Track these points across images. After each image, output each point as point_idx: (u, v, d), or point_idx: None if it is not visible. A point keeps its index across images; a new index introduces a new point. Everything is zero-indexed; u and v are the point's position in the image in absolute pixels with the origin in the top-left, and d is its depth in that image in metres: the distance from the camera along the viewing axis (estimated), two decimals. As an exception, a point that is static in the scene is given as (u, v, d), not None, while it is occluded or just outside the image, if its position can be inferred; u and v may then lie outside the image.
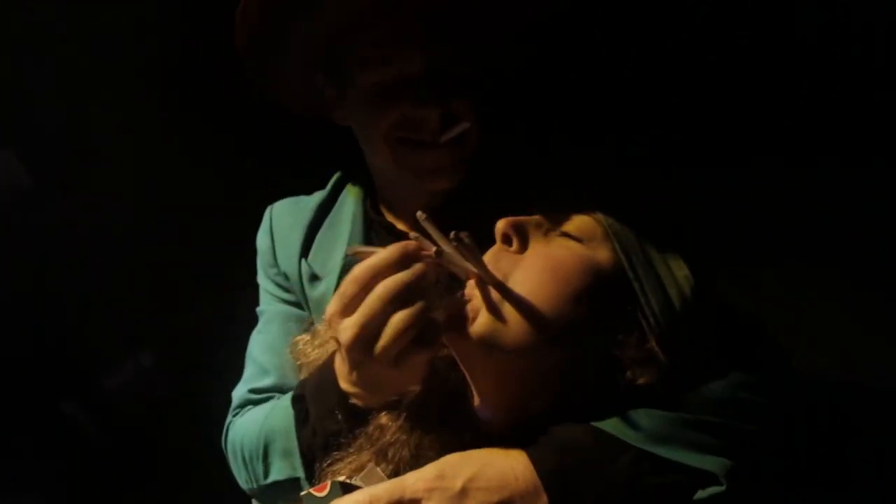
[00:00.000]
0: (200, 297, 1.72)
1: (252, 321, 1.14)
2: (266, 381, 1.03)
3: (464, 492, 0.61)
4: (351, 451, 0.74)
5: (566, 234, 0.71)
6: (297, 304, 1.10)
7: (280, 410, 0.89)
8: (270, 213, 1.17)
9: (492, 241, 0.73)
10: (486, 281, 0.66)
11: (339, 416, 0.76)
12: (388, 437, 0.72)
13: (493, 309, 0.65)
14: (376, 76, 0.90)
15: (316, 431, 0.80)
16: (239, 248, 1.21)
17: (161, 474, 1.82)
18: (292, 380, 0.96)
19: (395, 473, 0.68)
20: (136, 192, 1.65)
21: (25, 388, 1.73)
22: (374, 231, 1.07)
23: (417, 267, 0.64)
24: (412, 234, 0.70)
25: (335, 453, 0.75)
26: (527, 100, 1.33)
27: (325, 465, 0.76)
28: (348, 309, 0.64)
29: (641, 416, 0.65)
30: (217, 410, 1.07)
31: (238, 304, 1.22)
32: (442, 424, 0.72)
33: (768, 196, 1.48)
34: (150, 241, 1.69)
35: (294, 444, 0.84)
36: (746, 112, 1.46)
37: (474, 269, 0.66)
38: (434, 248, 0.65)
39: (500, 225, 0.71)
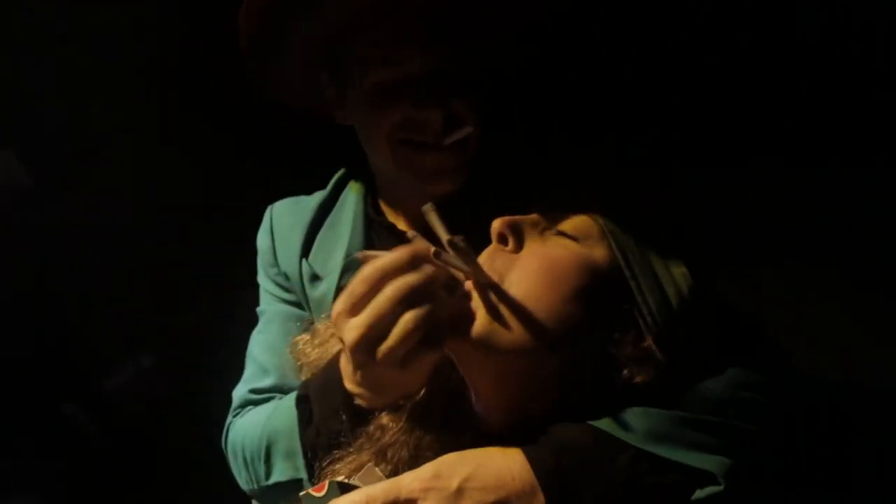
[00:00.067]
0: (200, 297, 1.72)
1: (252, 321, 1.14)
2: (266, 382, 1.03)
3: (460, 491, 0.61)
4: (351, 450, 0.74)
5: (562, 233, 0.71)
6: (297, 304, 1.10)
7: (283, 411, 0.88)
8: (271, 212, 1.17)
9: (491, 242, 0.73)
10: (482, 284, 0.66)
11: (344, 417, 0.76)
12: (387, 437, 0.72)
13: (490, 311, 0.65)
14: (377, 76, 0.90)
15: (320, 432, 0.79)
16: (239, 248, 1.21)
17: (161, 474, 1.82)
18: (293, 380, 0.96)
19: (394, 473, 0.68)
20: (136, 192, 1.65)
21: (25, 388, 1.74)
22: (374, 231, 1.07)
23: (427, 269, 0.63)
24: (409, 233, 0.70)
25: (335, 452, 0.75)
26: (527, 100, 1.33)
27: (324, 464, 0.76)
28: (356, 308, 0.63)
29: (639, 415, 0.65)
30: (217, 410, 1.07)
31: (238, 304, 1.22)
32: (442, 425, 0.72)
33: (768, 196, 1.48)
34: (150, 241, 1.69)
35: (297, 444, 0.84)
36: (746, 112, 1.46)
37: (470, 272, 0.66)
38: (433, 249, 0.65)
39: (496, 224, 0.71)
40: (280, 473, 0.88)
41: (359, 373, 0.68)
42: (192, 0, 1.44)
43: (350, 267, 1.03)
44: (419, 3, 0.86)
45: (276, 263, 1.12)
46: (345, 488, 0.65)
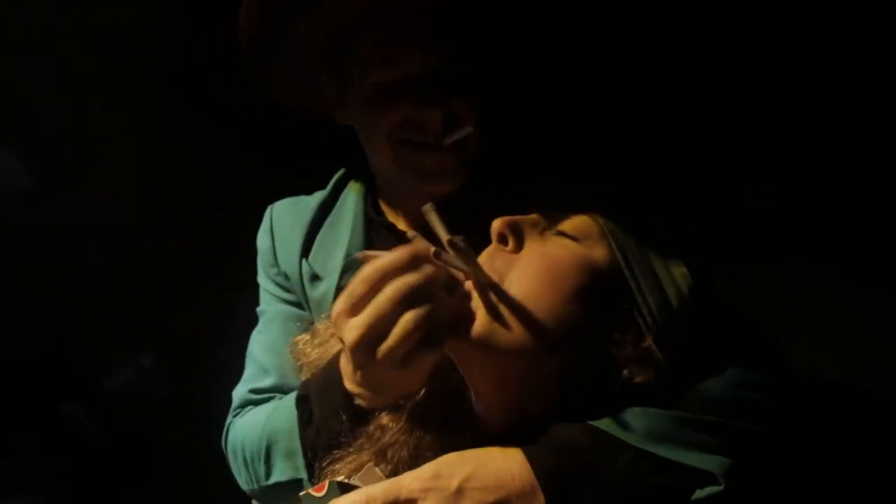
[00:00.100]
0: (200, 297, 1.72)
1: (252, 321, 1.14)
2: (266, 382, 1.03)
3: (460, 492, 0.61)
4: (351, 450, 0.74)
5: (562, 233, 0.71)
6: (297, 304, 1.10)
7: (283, 411, 0.88)
8: (271, 212, 1.17)
9: (491, 242, 0.73)
10: (482, 284, 0.66)
11: (344, 417, 0.76)
12: (387, 437, 0.72)
13: (490, 311, 0.65)
14: (377, 76, 0.90)
15: (320, 432, 0.79)
16: (239, 248, 1.21)
17: (161, 474, 1.82)
18: (293, 380, 0.96)
19: (394, 473, 0.68)
20: (136, 192, 1.65)
21: (25, 388, 1.74)
22: (374, 231, 1.07)
23: (427, 269, 0.63)
24: (409, 233, 0.70)
25: (335, 452, 0.75)
26: (527, 100, 1.33)
27: (324, 464, 0.76)
28: (356, 308, 0.63)
29: (639, 415, 0.64)
30: (217, 410, 1.07)
31: (238, 304, 1.22)
32: (442, 425, 0.72)
33: (768, 196, 1.48)
34: (150, 241, 1.69)
35: (297, 444, 0.84)
36: (746, 112, 1.46)
37: (470, 272, 0.66)
38: (433, 249, 0.65)
39: (496, 224, 0.71)
40: (280, 473, 0.88)
41: (359, 373, 0.68)
42: (192, 0, 1.44)
43: (350, 267, 1.03)
44: (419, 3, 0.86)
45: (276, 263, 1.12)
46: (345, 488, 0.65)
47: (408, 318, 0.61)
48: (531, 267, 0.67)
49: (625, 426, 0.64)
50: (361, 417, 0.75)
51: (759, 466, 0.67)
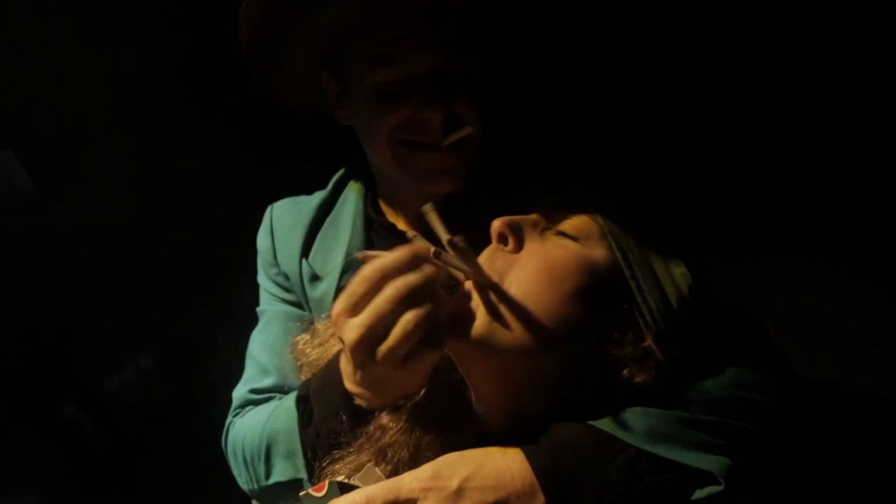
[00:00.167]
0: (200, 297, 1.73)
1: (252, 321, 1.14)
2: (267, 382, 1.03)
3: (460, 491, 0.61)
4: (351, 450, 0.74)
5: (562, 233, 0.71)
6: (297, 304, 1.10)
7: (283, 411, 0.88)
8: (271, 212, 1.17)
9: (491, 242, 0.73)
10: (482, 284, 0.66)
11: (343, 417, 0.76)
12: (387, 437, 0.71)
13: (490, 311, 0.65)
14: (378, 76, 0.89)
15: (320, 432, 0.79)
16: (239, 248, 1.21)
17: (161, 474, 1.82)
18: (293, 380, 0.96)
19: (394, 473, 0.68)
20: (136, 192, 1.66)
21: (25, 388, 1.74)
22: (374, 231, 1.07)
23: (427, 269, 0.63)
24: (409, 233, 0.69)
25: (335, 452, 0.75)
26: (527, 100, 1.33)
27: (324, 464, 0.76)
28: (356, 308, 0.63)
29: (639, 414, 0.64)
30: (217, 410, 1.07)
31: (238, 304, 1.22)
32: (442, 425, 0.72)
33: (769, 196, 1.48)
34: (150, 242, 1.69)
35: (297, 445, 0.84)
36: (746, 113, 1.46)
37: (470, 272, 0.66)
38: (433, 249, 0.65)
39: (496, 224, 0.71)
40: (280, 473, 0.88)
41: (359, 373, 0.68)
42: (193, 0, 1.44)
43: (350, 267, 1.03)
44: (420, 3, 0.86)
45: (276, 263, 1.12)
46: (345, 488, 0.65)
47: (408, 318, 0.61)
48: (531, 267, 0.67)
49: (624, 426, 0.64)
50: (361, 418, 0.75)
51: (759, 466, 0.67)
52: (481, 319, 0.65)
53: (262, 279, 1.15)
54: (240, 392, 1.05)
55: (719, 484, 0.62)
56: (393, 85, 0.89)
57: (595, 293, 0.67)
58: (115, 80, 1.56)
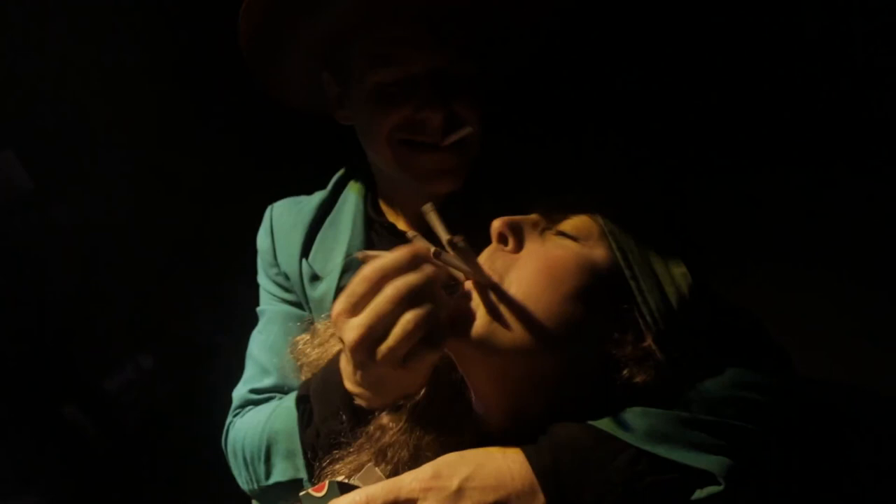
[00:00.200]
0: (200, 297, 1.73)
1: (252, 321, 1.14)
2: (267, 382, 1.03)
3: (460, 491, 0.61)
4: (351, 450, 0.74)
5: (562, 233, 0.71)
6: (297, 304, 1.10)
7: (283, 411, 0.88)
8: (271, 212, 1.17)
9: (491, 242, 0.73)
10: (482, 284, 0.66)
11: (344, 417, 0.76)
12: (388, 437, 0.71)
13: (490, 311, 0.65)
14: (378, 76, 0.89)
15: (320, 432, 0.79)
16: (239, 248, 1.21)
17: (161, 474, 1.82)
18: (293, 380, 0.96)
19: (394, 473, 0.68)
20: (137, 192, 1.66)
21: (25, 388, 1.74)
22: (374, 231, 1.07)
23: (427, 269, 0.63)
24: (409, 233, 0.69)
25: (335, 452, 0.75)
26: (527, 100, 1.33)
27: (324, 464, 0.76)
28: (356, 308, 0.63)
29: (639, 414, 0.64)
30: (217, 410, 1.07)
31: (238, 304, 1.22)
32: (442, 425, 0.72)
33: (769, 196, 1.48)
34: (150, 241, 1.69)
35: (297, 445, 0.84)
36: (746, 113, 1.46)
37: (470, 273, 0.66)
38: (433, 249, 0.65)
39: (496, 224, 0.71)
40: (280, 473, 0.88)
41: (359, 373, 0.68)
42: (193, 0, 1.44)
43: (350, 267, 1.03)
44: (420, 3, 0.85)
45: (276, 263, 1.11)
46: (345, 488, 0.65)
47: (408, 319, 0.61)
48: (531, 267, 0.67)
49: (624, 426, 0.64)
50: (361, 418, 0.75)
51: (759, 466, 0.67)
52: (481, 319, 0.65)
53: (262, 279, 1.15)
54: (240, 392, 1.05)
55: (719, 484, 0.62)
56: (393, 85, 0.89)
57: (595, 293, 0.67)
58: (115, 80, 1.56)
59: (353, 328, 0.62)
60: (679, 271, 0.71)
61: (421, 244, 0.66)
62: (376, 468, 0.69)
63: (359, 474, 0.68)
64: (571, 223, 0.72)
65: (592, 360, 0.67)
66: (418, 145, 0.91)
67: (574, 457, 0.63)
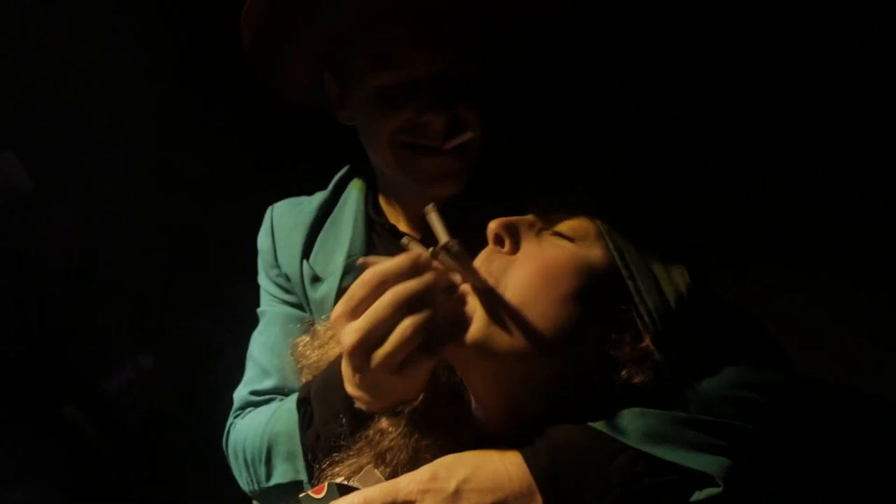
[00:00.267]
0: (200, 297, 1.73)
1: (253, 322, 1.14)
2: (267, 383, 1.03)
3: (457, 493, 0.61)
4: (351, 453, 0.74)
5: (559, 234, 0.71)
6: (298, 306, 1.10)
7: (284, 413, 0.88)
8: (271, 213, 1.17)
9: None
10: (478, 288, 0.66)
11: (344, 420, 0.76)
12: (387, 441, 0.71)
13: (487, 314, 0.65)
14: (380, 79, 0.89)
15: (320, 435, 0.79)
16: (239, 248, 1.21)
17: (161, 474, 1.82)
18: (293, 381, 0.96)
19: (394, 476, 0.68)
20: (137, 192, 1.66)
21: (25, 388, 1.74)
22: (375, 232, 1.07)
23: (427, 276, 0.64)
24: (404, 239, 0.69)
25: (335, 455, 0.75)
26: (527, 100, 1.33)
27: (324, 466, 0.76)
28: (355, 312, 0.63)
29: (637, 415, 0.64)
30: (218, 411, 1.07)
31: (238, 305, 1.22)
32: (441, 428, 0.72)
33: (769, 196, 1.48)
34: (150, 242, 1.69)
35: (298, 447, 0.84)
36: (746, 113, 1.46)
37: (467, 277, 0.66)
38: (430, 250, 0.65)
39: (492, 226, 0.71)
40: (281, 475, 0.88)
41: (357, 376, 0.68)
42: (193, 0, 1.44)
43: (351, 268, 1.03)
44: (422, 6, 0.85)
45: (276, 264, 1.11)
46: (344, 490, 0.65)
47: (406, 325, 0.61)
48: (527, 269, 0.67)
49: (623, 427, 0.64)
50: (362, 421, 0.75)
51: (759, 466, 0.67)
52: (478, 323, 0.65)
53: (263, 280, 1.15)
54: (240, 393, 1.05)
55: (718, 485, 0.62)
56: (395, 88, 0.89)
57: (592, 294, 0.67)
58: (115, 80, 1.56)
59: (352, 332, 0.63)
60: (677, 271, 0.71)
61: (418, 249, 0.66)
62: (375, 470, 0.69)
63: (358, 476, 0.69)
64: (568, 223, 0.72)
65: (590, 361, 0.67)
66: (420, 148, 0.91)
67: (572, 458, 0.63)
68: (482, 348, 0.64)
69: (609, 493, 0.61)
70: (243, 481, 0.96)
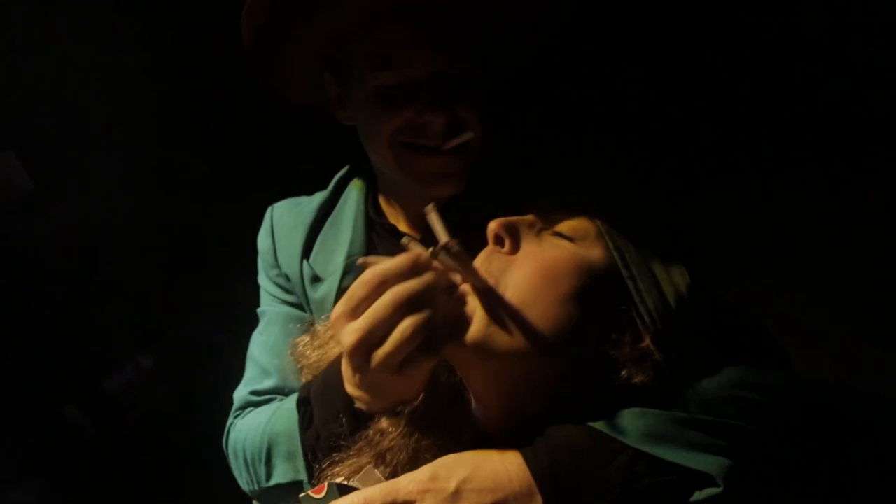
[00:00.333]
0: (200, 297, 1.73)
1: (253, 322, 1.14)
2: (267, 383, 1.03)
3: (457, 493, 0.61)
4: (351, 453, 0.74)
5: (558, 234, 0.71)
6: (298, 306, 1.10)
7: (284, 413, 0.88)
8: (271, 213, 1.17)
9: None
10: (478, 288, 0.66)
11: (344, 420, 0.76)
12: (387, 441, 0.71)
13: (487, 314, 0.65)
14: (379, 79, 0.89)
15: (320, 435, 0.79)
16: (239, 248, 1.21)
17: (161, 474, 1.82)
18: (293, 381, 0.96)
19: (394, 476, 0.68)
20: (137, 192, 1.66)
21: (25, 388, 1.74)
22: (375, 232, 1.07)
23: (427, 276, 0.64)
24: (403, 239, 0.69)
25: (335, 455, 0.75)
26: (527, 100, 1.33)
27: (324, 466, 0.76)
28: (355, 312, 0.63)
29: (637, 415, 0.64)
30: (218, 411, 1.07)
31: (238, 305, 1.22)
32: (441, 428, 0.72)
33: (769, 196, 1.48)
34: (150, 242, 1.69)
35: (298, 447, 0.84)
36: (746, 113, 1.46)
37: (467, 276, 0.66)
38: (430, 250, 0.65)
39: (492, 226, 0.71)
40: (281, 475, 0.88)
41: (357, 376, 0.68)
42: (193, 0, 1.44)
43: (351, 268, 1.03)
44: (422, 5, 0.85)
45: (276, 264, 1.11)
46: (344, 490, 0.65)
47: (406, 325, 0.61)
48: (527, 268, 0.67)
49: (623, 427, 0.64)
50: (362, 421, 0.75)
51: (759, 466, 0.67)
52: (478, 323, 0.65)
53: (263, 280, 1.15)
54: (240, 393, 1.05)
55: (718, 485, 0.62)
56: (395, 88, 0.89)
57: (592, 294, 0.67)
58: (115, 80, 1.56)
59: (352, 332, 0.63)
60: (677, 271, 0.71)
61: (418, 249, 0.66)
62: (375, 470, 0.69)
63: (358, 476, 0.69)
64: (568, 223, 0.72)
65: (590, 361, 0.67)
66: (420, 148, 0.91)
67: (572, 458, 0.63)
68: (482, 348, 0.64)
69: (609, 493, 0.61)
70: (243, 481, 0.96)
